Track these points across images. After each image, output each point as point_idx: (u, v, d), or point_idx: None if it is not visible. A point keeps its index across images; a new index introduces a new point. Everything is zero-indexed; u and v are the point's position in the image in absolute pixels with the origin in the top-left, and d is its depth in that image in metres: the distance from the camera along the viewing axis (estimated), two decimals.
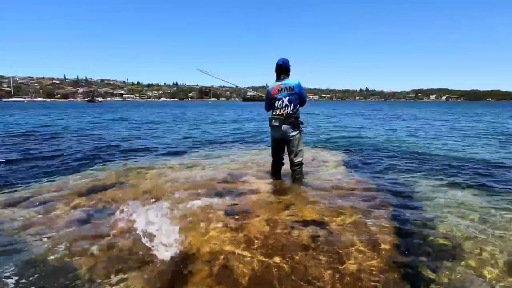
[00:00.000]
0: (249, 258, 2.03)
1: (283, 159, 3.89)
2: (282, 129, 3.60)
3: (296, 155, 3.72)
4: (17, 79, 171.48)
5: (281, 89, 3.61)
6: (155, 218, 2.65)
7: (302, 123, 3.74)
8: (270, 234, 2.36)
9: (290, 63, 3.70)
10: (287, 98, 3.58)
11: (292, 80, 3.65)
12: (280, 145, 3.78)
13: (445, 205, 3.04)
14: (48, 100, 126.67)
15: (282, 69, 3.67)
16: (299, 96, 3.63)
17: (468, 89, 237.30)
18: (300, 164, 3.78)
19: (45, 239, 2.30)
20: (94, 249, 2.15)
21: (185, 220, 2.63)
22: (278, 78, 3.70)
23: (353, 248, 2.16)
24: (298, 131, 3.67)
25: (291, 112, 3.58)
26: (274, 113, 3.67)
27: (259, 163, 4.79)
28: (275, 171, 3.95)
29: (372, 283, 1.79)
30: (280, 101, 3.60)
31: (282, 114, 3.59)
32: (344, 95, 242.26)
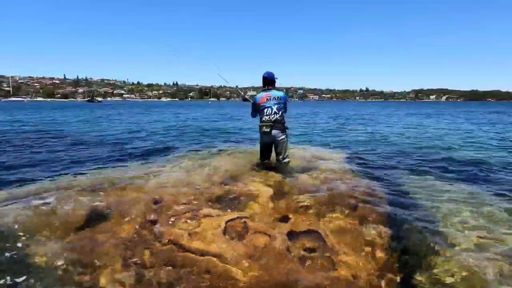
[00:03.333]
0: (247, 266, 2.04)
1: (269, 159, 4.47)
2: (272, 134, 4.07)
3: (284, 156, 4.26)
4: (17, 78, 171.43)
5: (270, 98, 4.11)
6: (155, 220, 2.67)
7: (288, 128, 4.24)
8: (268, 240, 2.38)
9: (275, 76, 4.24)
10: (276, 106, 4.09)
11: (278, 91, 4.18)
12: (269, 148, 4.32)
13: (447, 209, 3.05)
14: (48, 100, 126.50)
15: (268, 81, 4.22)
16: (284, 105, 4.19)
17: (468, 89, 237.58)
18: (288, 162, 4.33)
19: (46, 241, 2.28)
20: (96, 249, 2.15)
21: (185, 224, 2.64)
22: (265, 88, 4.21)
23: (348, 256, 2.16)
24: (285, 135, 4.17)
25: (279, 118, 4.08)
26: (263, 119, 4.12)
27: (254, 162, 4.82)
28: (264, 164, 4.44)
29: None
30: (269, 109, 4.08)
31: (271, 120, 4.05)
32: (345, 95, 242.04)
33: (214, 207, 3.08)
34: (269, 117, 4.05)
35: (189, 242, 2.36)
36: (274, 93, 4.14)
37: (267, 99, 4.10)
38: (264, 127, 4.06)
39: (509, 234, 2.50)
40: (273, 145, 4.25)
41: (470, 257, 2.14)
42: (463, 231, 2.56)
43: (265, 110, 4.08)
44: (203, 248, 2.27)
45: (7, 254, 2.15)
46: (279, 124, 4.07)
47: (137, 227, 2.63)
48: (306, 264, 2.08)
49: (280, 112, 4.09)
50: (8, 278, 1.88)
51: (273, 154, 4.47)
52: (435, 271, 2.01)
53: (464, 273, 1.96)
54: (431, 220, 2.81)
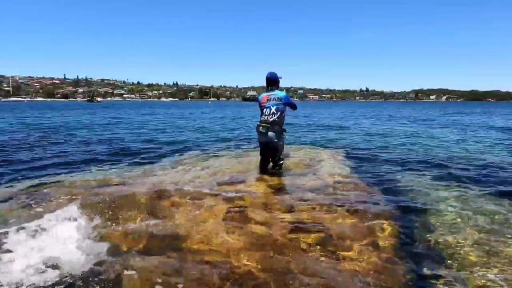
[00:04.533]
0: (248, 257, 2.06)
1: (269, 158, 4.42)
2: (268, 135, 4.07)
3: (278, 158, 4.28)
4: (17, 78, 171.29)
5: (270, 99, 4.13)
6: (156, 219, 2.72)
7: (285, 130, 4.23)
8: (270, 235, 2.40)
9: (278, 75, 4.25)
10: (275, 107, 4.07)
11: (280, 92, 4.16)
12: (266, 147, 4.30)
13: (447, 206, 3.10)
14: (48, 100, 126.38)
15: (271, 81, 4.23)
16: (286, 105, 4.15)
17: (468, 89, 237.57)
18: (281, 164, 4.37)
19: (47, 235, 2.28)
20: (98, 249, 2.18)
21: (186, 221, 2.67)
22: (268, 89, 4.23)
23: (351, 250, 2.18)
24: (281, 138, 4.17)
25: (277, 119, 4.05)
26: (262, 119, 4.14)
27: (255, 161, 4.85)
28: (263, 168, 4.45)
29: (371, 284, 1.81)
30: (268, 109, 4.09)
31: (268, 121, 4.06)
32: (344, 95, 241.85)
33: (215, 202, 3.12)
34: (267, 118, 4.07)
35: (190, 234, 2.38)
36: (275, 93, 4.13)
37: (267, 99, 4.13)
38: (261, 127, 4.08)
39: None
40: (268, 146, 4.21)
41: (471, 258, 2.18)
42: (465, 230, 2.59)
43: (265, 110, 4.11)
44: (204, 239, 2.30)
45: None
46: (277, 126, 4.04)
47: (139, 220, 2.66)
48: (308, 257, 2.10)
49: (279, 113, 4.06)
50: None
51: None
52: (438, 265, 2.03)
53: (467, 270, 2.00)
54: (432, 218, 2.85)
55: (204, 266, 1.98)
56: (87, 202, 2.98)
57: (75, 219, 2.60)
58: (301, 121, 15.83)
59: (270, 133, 4.04)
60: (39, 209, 2.85)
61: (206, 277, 1.86)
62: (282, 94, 4.13)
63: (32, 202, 3.05)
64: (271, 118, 4.05)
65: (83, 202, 2.98)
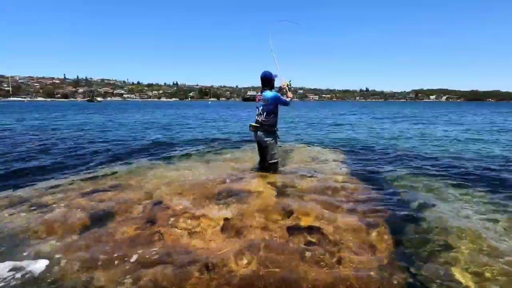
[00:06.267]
0: (247, 262, 2.06)
1: (264, 156, 4.42)
2: (258, 134, 4.21)
3: (270, 158, 4.27)
4: (17, 78, 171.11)
5: (260, 99, 4.20)
6: (155, 220, 2.72)
7: (277, 129, 4.26)
8: (269, 238, 2.41)
9: (272, 74, 4.20)
10: (261, 107, 4.15)
11: (270, 92, 4.12)
12: (259, 146, 4.40)
13: (445, 207, 3.11)
14: (48, 99, 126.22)
15: (264, 81, 4.19)
16: (275, 105, 4.11)
17: (468, 89, 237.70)
18: (274, 164, 4.32)
19: (45, 243, 2.32)
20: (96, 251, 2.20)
21: (184, 223, 2.68)
22: (262, 89, 4.23)
23: (350, 252, 2.19)
24: (271, 138, 4.18)
25: (264, 119, 4.13)
26: (255, 119, 4.26)
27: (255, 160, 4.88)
28: (261, 165, 4.52)
29: (369, 285, 1.82)
30: (257, 110, 4.22)
31: (257, 121, 4.19)
32: (344, 95, 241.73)
33: (214, 205, 3.13)
34: (256, 118, 4.22)
35: (189, 241, 2.38)
36: (264, 94, 4.12)
37: (258, 100, 4.26)
38: (251, 127, 4.26)
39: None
40: (261, 145, 4.34)
41: (469, 256, 2.19)
42: (462, 230, 2.59)
43: (256, 110, 4.26)
44: (203, 246, 2.30)
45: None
46: (265, 126, 4.14)
47: (137, 227, 2.65)
48: (307, 259, 2.10)
49: (265, 114, 4.09)
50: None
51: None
52: (437, 266, 2.05)
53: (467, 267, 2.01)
54: (431, 218, 2.86)
55: (203, 271, 1.97)
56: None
57: None
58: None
59: (259, 133, 4.18)
60: None
61: (205, 279, 1.85)
62: (270, 94, 4.08)
63: None
64: (259, 118, 4.19)
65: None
